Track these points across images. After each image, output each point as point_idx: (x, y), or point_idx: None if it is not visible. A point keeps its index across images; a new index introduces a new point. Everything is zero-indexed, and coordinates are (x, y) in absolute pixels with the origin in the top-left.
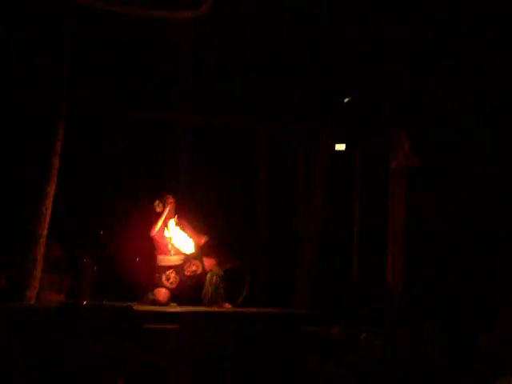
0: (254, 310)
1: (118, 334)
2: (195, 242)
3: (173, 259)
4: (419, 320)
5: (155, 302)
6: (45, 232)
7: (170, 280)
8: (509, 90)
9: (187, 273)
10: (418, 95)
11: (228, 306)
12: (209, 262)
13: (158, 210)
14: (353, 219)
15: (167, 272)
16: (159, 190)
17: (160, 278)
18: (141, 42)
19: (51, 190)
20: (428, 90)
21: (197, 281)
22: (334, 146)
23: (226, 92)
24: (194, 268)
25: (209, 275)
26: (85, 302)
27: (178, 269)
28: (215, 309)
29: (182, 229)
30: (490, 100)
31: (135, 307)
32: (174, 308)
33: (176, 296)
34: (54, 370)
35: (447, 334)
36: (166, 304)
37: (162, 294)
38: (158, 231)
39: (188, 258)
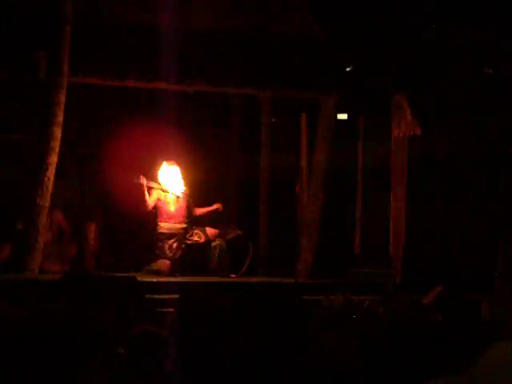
0: (255, 279)
1: (120, 303)
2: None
3: (174, 226)
4: (423, 287)
5: (158, 273)
6: (47, 203)
7: (173, 250)
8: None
9: (189, 241)
10: (420, 61)
11: (232, 276)
12: (211, 232)
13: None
14: (355, 190)
15: (169, 242)
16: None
17: (162, 247)
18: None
19: (53, 160)
20: (429, 55)
21: (199, 250)
22: (335, 115)
23: (227, 61)
24: (196, 237)
25: (212, 246)
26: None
27: (180, 238)
28: (217, 279)
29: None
30: (491, 65)
31: (138, 277)
32: (176, 278)
33: (178, 266)
34: (56, 340)
35: (450, 300)
36: (169, 274)
37: (165, 264)
38: (157, 199)
39: (190, 227)
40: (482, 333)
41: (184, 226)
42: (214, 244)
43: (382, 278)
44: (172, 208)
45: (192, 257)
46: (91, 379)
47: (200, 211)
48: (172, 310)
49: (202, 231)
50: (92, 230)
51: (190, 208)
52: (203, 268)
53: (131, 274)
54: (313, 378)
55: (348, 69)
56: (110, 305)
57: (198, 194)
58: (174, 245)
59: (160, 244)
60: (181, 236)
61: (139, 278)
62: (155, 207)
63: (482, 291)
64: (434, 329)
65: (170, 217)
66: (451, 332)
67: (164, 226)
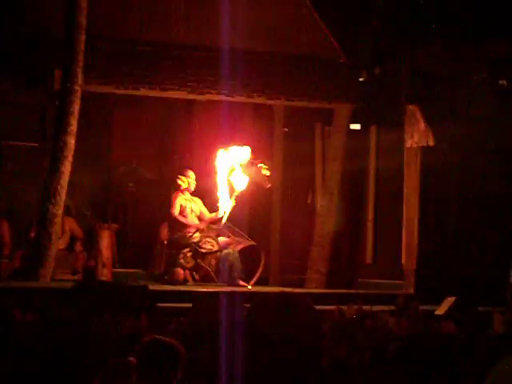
0: (267, 289)
1: (132, 312)
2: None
3: (188, 235)
4: (435, 298)
5: (171, 282)
6: (60, 210)
7: (187, 259)
8: None
9: (203, 250)
10: (434, 72)
11: (244, 284)
12: (224, 242)
13: (183, 185)
14: (368, 198)
15: (184, 251)
16: (177, 167)
17: (176, 256)
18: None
19: (67, 169)
20: (443, 66)
21: (211, 258)
22: (349, 126)
23: (242, 70)
24: (209, 246)
25: (223, 254)
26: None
27: (194, 247)
28: (229, 288)
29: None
30: (505, 77)
31: (150, 286)
32: (189, 287)
33: (191, 275)
34: (68, 348)
35: (463, 311)
36: (182, 283)
37: (178, 273)
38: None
39: (202, 235)
40: (494, 344)
41: (197, 234)
42: (225, 253)
43: (395, 289)
44: (190, 216)
45: (206, 265)
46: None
47: (207, 219)
48: (184, 318)
49: (214, 239)
50: (105, 238)
51: (202, 217)
52: (215, 277)
53: (143, 283)
54: None
55: (362, 79)
56: (122, 313)
57: (209, 202)
58: (188, 254)
59: (173, 253)
60: (194, 245)
61: (151, 287)
62: (173, 218)
63: (495, 303)
64: (447, 340)
65: (185, 226)
66: (464, 343)
67: (178, 235)
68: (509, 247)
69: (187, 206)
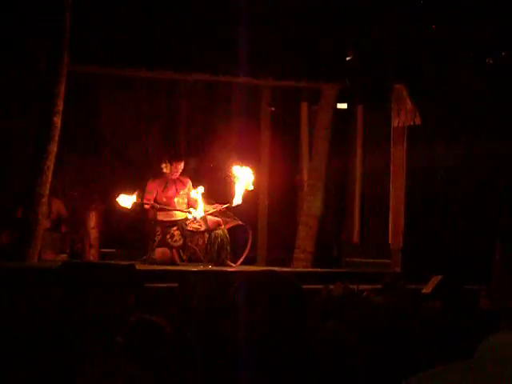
0: (255, 268)
1: (118, 292)
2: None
3: (175, 214)
4: (422, 276)
5: (157, 261)
6: (47, 191)
7: (174, 238)
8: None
9: (189, 228)
10: (420, 51)
11: (231, 264)
12: (212, 221)
13: (166, 170)
14: (354, 178)
15: (171, 230)
16: (164, 151)
17: (163, 235)
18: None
19: (53, 149)
20: (429, 45)
21: (198, 238)
22: (335, 105)
23: (228, 49)
24: (196, 225)
25: (212, 235)
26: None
27: (180, 225)
28: (216, 268)
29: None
30: (491, 56)
31: (137, 266)
32: (175, 267)
33: (178, 254)
34: (55, 328)
35: (449, 290)
36: (168, 263)
37: (164, 253)
38: (162, 188)
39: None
40: (480, 322)
41: (184, 214)
42: (215, 233)
43: (382, 268)
44: (173, 196)
45: (193, 245)
46: (89, 367)
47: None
48: (171, 298)
49: (202, 219)
50: (92, 218)
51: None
52: (203, 256)
53: (130, 262)
54: (312, 368)
55: (348, 58)
56: (109, 293)
57: (194, 183)
58: (175, 233)
59: (160, 232)
60: (181, 223)
61: (138, 267)
62: (156, 196)
63: (481, 281)
64: (433, 318)
65: (171, 205)
66: (450, 321)
67: (164, 214)
68: (496, 225)
69: (164, 190)
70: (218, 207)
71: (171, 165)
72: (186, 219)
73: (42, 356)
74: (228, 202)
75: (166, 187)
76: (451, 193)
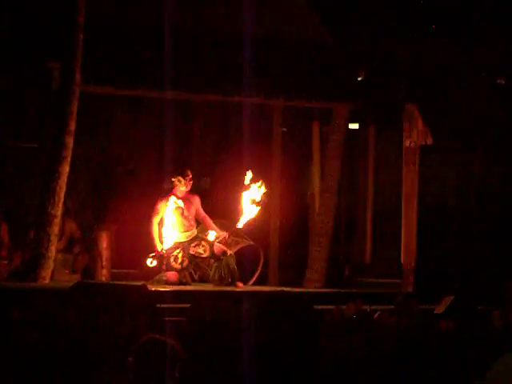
0: (267, 289)
1: (130, 312)
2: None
3: (179, 236)
4: (434, 297)
5: (167, 283)
6: (59, 211)
7: (178, 261)
8: None
9: (192, 252)
10: (432, 72)
11: (241, 285)
12: (218, 249)
13: (178, 184)
14: (366, 198)
15: (174, 253)
16: (172, 168)
17: (168, 258)
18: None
19: (65, 169)
20: (441, 66)
21: (203, 262)
22: (347, 125)
23: (240, 70)
24: (200, 250)
25: (223, 263)
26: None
27: (184, 247)
28: (228, 288)
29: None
30: (504, 76)
31: (149, 286)
32: (186, 287)
33: (187, 275)
34: (66, 349)
35: (462, 310)
36: (178, 284)
37: (173, 275)
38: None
39: (197, 236)
40: (493, 342)
41: (189, 235)
42: (223, 262)
43: (394, 288)
44: (178, 219)
45: (204, 266)
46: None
47: (210, 226)
48: (182, 318)
49: (208, 245)
50: (104, 239)
51: (201, 217)
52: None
53: (142, 283)
54: None
55: (360, 78)
56: (120, 314)
57: (207, 202)
58: (179, 255)
59: (166, 255)
60: (185, 246)
61: (150, 287)
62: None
63: (494, 301)
64: (446, 338)
65: (177, 226)
66: (463, 341)
67: (171, 235)
68: (509, 246)
69: (173, 209)
70: (223, 235)
71: (184, 178)
72: (190, 241)
73: (55, 376)
74: (235, 224)
75: (174, 205)
76: (464, 213)
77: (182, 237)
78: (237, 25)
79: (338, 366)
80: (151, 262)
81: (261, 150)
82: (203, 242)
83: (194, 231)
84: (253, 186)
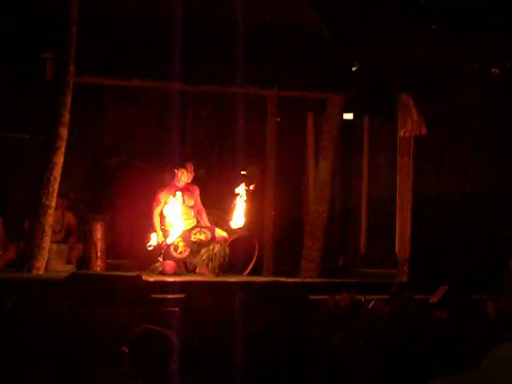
0: (261, 279)
1: (125, 303)
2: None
3: (182, 225)
4: (428, 287)
5: (163, 273)
6: (53, 202)
7: (178, 250)
8: None
9: (193, 239)
10: (427, 61)
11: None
12: (220, 235)
13: (182, 176)
14: (361, 188)
15: (174, 241)
16: (166, 158)
17: (168, 247)
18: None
19: (59, 160)
20: (437, 56)
21: (202, 249)
22: (341, 115)
23: (234, 61)
24: (201, 236)
25: (215, 248)
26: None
27: (185, 236)
28: (223, 278)
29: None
30: (497, 65)
31: (143, 277)
32: (182, 278)
33: (184, 265)
34: (61, 339)
35: (457, 300)
36: (173, 274)
37: (169, 265)
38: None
39: (198, 225)
40: (487, 332)
41: (190, 223)
42: (217, 247)
43: (388, 278)
44: (179, 209)
45: (200, 255)
46: (96, 377)
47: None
48: (177, 309)
49: (209, 230)
50: (98, 230)
51: (197, 208)
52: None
53: (136, 274)
54: (318, 378)
55: (354, 68)
56: (115, 304)
57: (202, 194)
58: (180, 244)
59: (165, 244)
60: (186, 234)
61: (144, 278)
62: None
63: (489, 291)
64: (440, 328)
65: (177, 218)
66: (457, 331)
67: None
68: (504, 235)
69: (173, 200)
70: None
71: (186, 170)
72: (191, 229)
73: (48, 367)
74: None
75: (174, 196)
76: (458, 202)
77: (182, 226)
78: (231, 15)
79: (332, 356)
80: (150, 246)
81: (255, 141)
82: (204, 229)
83: (194, 220)
84: (241, 185)
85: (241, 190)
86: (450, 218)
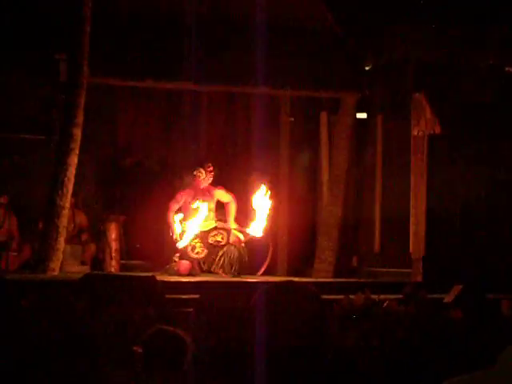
0: (276, 279)
1: (139, 303)
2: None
3: (199, 226)
4: (443, 286)
5: (178, 273)
6: (67, 203)
7: (196, 250)
8: None
9: (211, 241)
10: (441, 60)
11: (246, 278)
12: (237, 238)
13: (201, 176)
14: (374, 187)
15: (192, 242)
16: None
17: (185, 247)
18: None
19: (73, 160)
20: (450, 55)
21: (219, 251)
22: (355, 114)
23: (247, 60)
24: (218, 238)
25: (231, 249)
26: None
27: (202, 237)
28: (237, 279)
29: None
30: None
31: (158, 277)
32: (196, 278)
33: (199, 266)
34: (75, 339)
35: (472, 299)
36: (188, 275)
37: (184, 265)
38: (190, 199)
39: (215, 227)
40: (502, 331)
41: (208, 225)
42: (230, 249)
43: (402, 277)
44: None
45: (215, 257)
46: (109, 377)
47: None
48: (192, 309)
49: (226, 232)
50: (113, 231)
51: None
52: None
53: (151, 274)
54: (333, 377)
55: (367, 67)
56: (130, 304)
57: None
58: (197, 245)
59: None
60: (203, 235)
61: (159, 278)
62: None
63: (504, 290)
64: (455, 327)
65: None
66: (472, 330)
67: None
68: None
69: (192, 201)
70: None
71: (205, 170)
72: (210, 231)
73: (64, 366)
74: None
75: (194, 198)
76: (473, 201)
77: (200, 226)
78: (244, 15)
79: (347, 356)
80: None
81: (269, 141)
82: (221, 231)
83: (213, 222)
84: (260, 193)
85: (261, 199)
86: (465, 217)
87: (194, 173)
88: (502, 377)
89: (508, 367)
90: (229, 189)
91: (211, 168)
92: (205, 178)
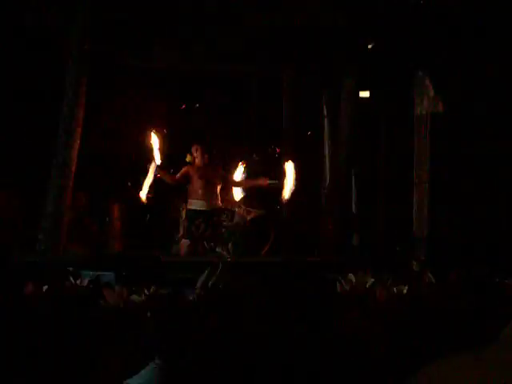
0: (278, 258)
1: (145, 282)
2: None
3: (204, 205)
4: (447, 265)
5: (182, 252)
6: (70, 184)
7: (200, 229)
8: None
9: (215, 221)
10: (443, 39)
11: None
12: (240, 218)
13: (195, 156)
14: (377, 167)
15: (196, 221)
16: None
17: (189, 225)
18: None
19: (76, 142)
20: (452, 32)
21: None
22: (358, 94)
23: (248, 39)
24: (224, 217)
25: (236, 228)
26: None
27: (207, 217)
28: (241, 258)
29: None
30: None
31: (162, 257)
32: (200, 257)
33: (202, 245)
34: (79, 319)
35: (476, 279)
36: (189, 254)
37: (185, 244)
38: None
39: (224, 208)
40: (507, 310)
41: (214, 205)
42: (229, 232)
43: (406, 256)
44: (204, 184)
45: (217, 236)
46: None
47: (243, 183)
48: (196, 289)
49: (231, 214)
50: (116, 211)
51: (227, 186)
52: (223, 248)
53: (155, 254)
54: (337, 357)
55: (370, 46)
56: (134, 285)
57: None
58: (202, 224)
59: (186, 222)
60: (208, 215)
61: (163, 258)
62: (187, 183)
63: (509, 270)
64: (459, 306)
65: (201, 194)
66: (476, 311)
67: (193, 202)
68: None
69: (195, 173)
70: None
71: (200, 147)
72: (216, 212)
73: (67, 348)
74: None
75: (197, 173)
76: (477, 179)
77: (206, 206)
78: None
79: (350, 335)
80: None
81: (271, 122)
82: (226, 212)
83: (219, 203)
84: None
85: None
86: (469, 195)
87: (188, 154)
88: (505, 350)
89: (509, 343)
90: (231, 169)
91: (200, 149)
92: (200, 154)
